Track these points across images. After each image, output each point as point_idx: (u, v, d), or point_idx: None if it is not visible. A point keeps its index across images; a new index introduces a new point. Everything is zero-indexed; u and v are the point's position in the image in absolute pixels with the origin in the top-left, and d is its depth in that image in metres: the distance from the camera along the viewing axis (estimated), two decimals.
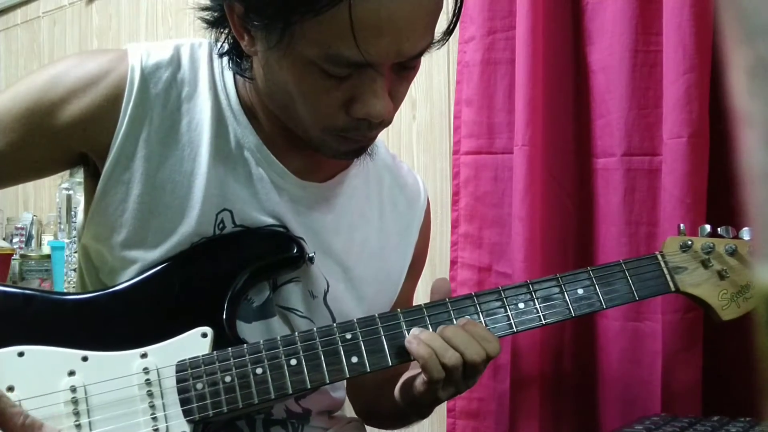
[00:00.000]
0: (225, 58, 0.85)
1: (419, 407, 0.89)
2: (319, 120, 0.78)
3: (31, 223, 2.53)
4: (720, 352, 1.03)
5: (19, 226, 2.53)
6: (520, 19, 1.13)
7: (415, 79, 0.80)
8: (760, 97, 0.20)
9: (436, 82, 1.49)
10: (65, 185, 2.18)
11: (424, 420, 0.95)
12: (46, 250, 2.38)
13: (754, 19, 0.20)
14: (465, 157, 1.23)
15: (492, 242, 1.21)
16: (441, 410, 1.12)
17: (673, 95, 1.01)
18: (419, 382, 0.83)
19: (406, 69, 0.77)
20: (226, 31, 0.82)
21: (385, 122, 0.78)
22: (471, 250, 1.22)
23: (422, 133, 1.52)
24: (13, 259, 2.27)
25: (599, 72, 1.13)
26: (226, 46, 0.83)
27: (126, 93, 0.82)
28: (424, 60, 0.79)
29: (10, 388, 0.74)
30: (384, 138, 1.48)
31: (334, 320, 0.89)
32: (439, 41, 0.79)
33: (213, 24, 0.82)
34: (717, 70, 1.01)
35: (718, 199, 1.01)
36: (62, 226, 2.27)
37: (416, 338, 0.79)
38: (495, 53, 1.20)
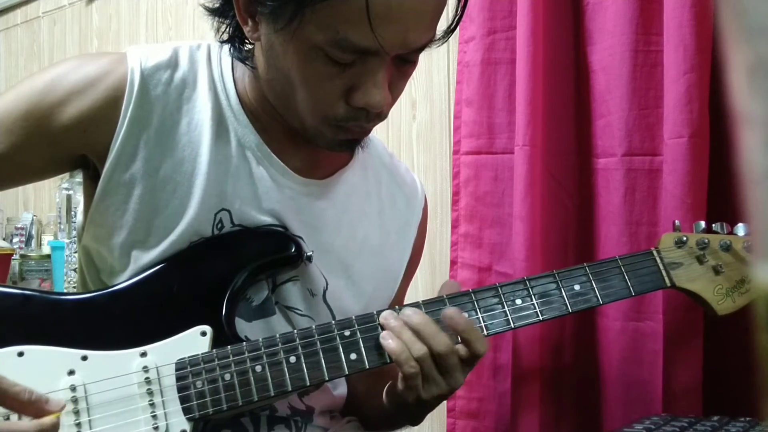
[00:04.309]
0: (225, 53, 0.85)
1: (406, 409, 0.87)
2: (318, 108, 0.78)
3: (31, 223, 2.53)
4: (720, 351, 1.03)
5: (19, 226, 2.53)
6: (520, 19, 1.13)
7: (415, 78, 0.81)
8: (760, 97, 0.20)
9: (436, 82, 1.49)
10: (65, 185, 2.18)
11: (424, 420, 0.95)
12: (46, 250, 2.38)
13: (754, 19, 0.20)
14: (465, 157, 1.23)
15: (492, 242, 1.21)
16: (441, 410, 1.11)
17: (674, 95, 1.01)
18: (400, 381, 0.82)
19: (406, 63, 0.78)
20: (228, 20, 0.82)
21: (383, 115, 0.79)
22: (471, 250, 1.22)
23: (422, 132, 1.52)
24: (13, 259, 2.26)
25: (600, 72, 1.13)
26: (226, 35, 0.83)
27: (126, 95, 0.82)
28: (424, 60, 0.79)
29: None
30: (384, 138, 1.48)
31: (334, 317, 0.89)
32: (440, 39, 0.80)
33: (215, 12, 0.83)
34: (717, 70, 1.01)
35: (719, 199, 1.01)
36: (62, 226, 2.27)
37: (389, 334, 0.79)
38: (495, 53, 1.20)
